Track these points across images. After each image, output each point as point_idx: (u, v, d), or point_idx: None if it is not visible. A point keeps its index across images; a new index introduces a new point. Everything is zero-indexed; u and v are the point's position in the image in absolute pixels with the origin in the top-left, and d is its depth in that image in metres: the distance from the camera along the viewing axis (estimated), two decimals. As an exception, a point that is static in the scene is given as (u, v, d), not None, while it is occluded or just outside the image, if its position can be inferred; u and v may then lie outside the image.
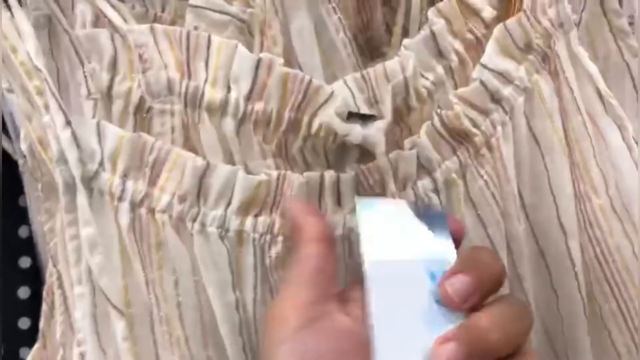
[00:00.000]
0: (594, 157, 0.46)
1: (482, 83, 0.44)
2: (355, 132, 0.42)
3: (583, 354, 0.47)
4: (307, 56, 0.46)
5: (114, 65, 0.42)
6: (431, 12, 0.45)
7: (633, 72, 0.49)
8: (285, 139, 0.43)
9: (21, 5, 0.42)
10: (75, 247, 0.42)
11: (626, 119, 0.45)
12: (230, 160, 0.43)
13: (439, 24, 0.44)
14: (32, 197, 0.48)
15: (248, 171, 0.42)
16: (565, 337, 0.48)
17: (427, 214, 0.42)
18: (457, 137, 0.44)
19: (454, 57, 0.45)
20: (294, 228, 0.40)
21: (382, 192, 0.43)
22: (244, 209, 0.42)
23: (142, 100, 0.43)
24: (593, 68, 0.45)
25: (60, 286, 0.44)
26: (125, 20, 0.43)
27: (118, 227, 0.42)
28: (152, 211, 0.42)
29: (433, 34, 0.44)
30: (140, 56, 0.42)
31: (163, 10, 0.47)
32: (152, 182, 0.42)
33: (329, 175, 0.43)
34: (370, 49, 0.49)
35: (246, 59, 0.41)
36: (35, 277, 0.50)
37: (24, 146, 0.44)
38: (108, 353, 0.43)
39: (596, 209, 0.46)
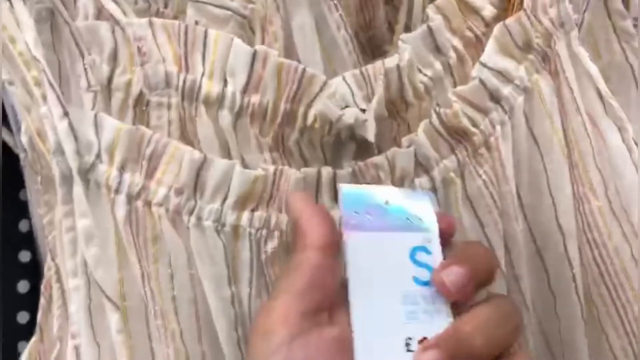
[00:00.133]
0: (593, 159, 0.45)
1: (481, 81, 0.44)
2: (349, 113, 0.42)
3: (580, 356, 0.47)
4: (308, 53, 0.46)
5: (114, 58, 0.43)
6: (429, 9, 0.45)
7: (637, 75, 0.49)
8: (282, 131, 0.43)
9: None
10: (71, 238, 0.42)
11: (626, 120, 0.45)
12: (227, 154, 0.43)
13: (436, 20, 0.44)
14: (33, 190, 0.48)
15: (245, 165, 0.43)
16: (563, 339, 0.47)
17: (412, 195, 0.42)
18: (456, 135, 0.44)
19: (452, 54, 0.45)
20: (297, 227, 0.39)
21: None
22: (241, 204, 0.42)
23: (141, 93, 0.43)
24: (593, 68, 0.45)
25: (59, 280, 0.44)
26: (125, 14, 0.43)
27: (114, 219, 0.42)
28: (148, 204, 0.42)
29: (430, 30, 0.44)
30: (139, 49, 0.42)
31: (166, 6, 0.47)
32: (149, 175, 0.42)
33: (326, 171, 0.43)
34: (372, 47, 0.49)
35: (242, 51, 0.41)
36: (34, 271, 0.50)
37: (24, 139, 0.44)
38: (102, 346, 0.43)
39: (595, 211, 0.45)
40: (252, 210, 0.42)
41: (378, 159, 0.43)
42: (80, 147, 0.41)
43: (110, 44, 0.42)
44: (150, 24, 0.42)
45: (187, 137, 0.43)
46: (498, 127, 0.45)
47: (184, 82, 0.42)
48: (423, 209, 0.41)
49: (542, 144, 0.45)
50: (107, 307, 0.42)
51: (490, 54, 0.44)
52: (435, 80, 0.45)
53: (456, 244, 0.41)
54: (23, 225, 0.51)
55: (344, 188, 0.41)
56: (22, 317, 0.51)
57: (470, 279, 0.38)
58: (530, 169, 0.45)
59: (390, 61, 0.43)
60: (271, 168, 0.42)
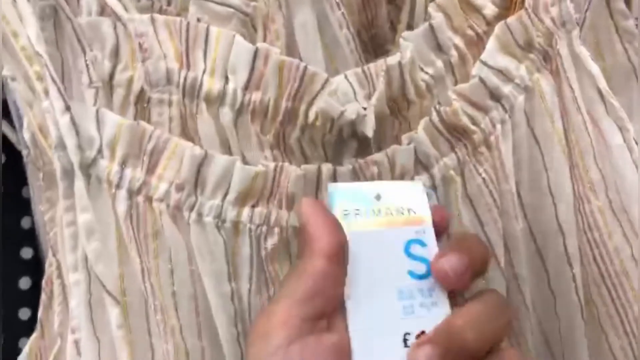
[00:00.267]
0: (593, 158, 0.45)
1: (481, 80, 0.44)
2: (351, 108, 0.42)
3: (580, 356, 0.47)
4: (309, 51, 0.46)
5: (115, 54, 0.43)
6: (431, 7, 0.45)
7: (639, 75, 0.49)
8: (283, 129, 0.43)
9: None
10: (72, 233, 0.42)
11: (627, 120, 0.45)
12: (228, 151, 0.43)
13: (437, 18, 0.44)
14: (35, 187, 0.49)
15: (245, 162, 0.43)
16: (563, 339, 0.47)
17: (405, 187, 0.41)
18: (456, 133, 0.44)
19: (453, 53, 0.45)
20: (305, 233, 0.38)
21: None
22: (241, 200, 0.42)
23: (143, 89, 0.43)
24: (595, 68, 0.45)
25: (60, 276, 0.45)
26: (127, 10, 0.43)
27: (115, 214, 0.42)
28: (149, 199, 0.42)
29: (432, 28, 0.44)
30: (140, 45, 0.42)
31: (169, 4, 0.47)
32: (150, 170, 0.42)
33: (327, 168, 0.43)
34: (375, 46, 0.49)
35: (244, 49, 0.41)
36: (36, 268, 0.50)
37: (26, 135, 0.44)
38: (102, 341, 0.43)
39: (595, 211, 0.45)
40: (253, 207, 0.42)
41: (378, 156, 0.43)
42: (81, 142, 0.41)
43: (112, 40, 0.43)
44: (152, 20, 0.42)
45: (188, 134, 0.43)
46: (498, 126, 0.45)
47: (185, 79, 0.42)
48: (416, 200, 0.40)
49: (543, 143, 0.45)
50: (108, 302, 0.42)
51: (491, 52, 0.44)
52: (437, 79, 0.45)
53: (450, 236, 0.41)
54: (25, 222, 0.51)
55: (332, 187, 0.40)
56: (24, 314, 0.51)
57: (468, 267, 0.38)
58: (530, 168, 0.45)
59: (392, 59, 0.44)
60: (271, 164, 0.42)
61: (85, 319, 0.42)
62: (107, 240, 0.42)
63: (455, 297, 0.39)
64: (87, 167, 0.42)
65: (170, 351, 0.42)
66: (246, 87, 0.42)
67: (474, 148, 0.44)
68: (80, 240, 0.42)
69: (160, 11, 0.47)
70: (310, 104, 0.42)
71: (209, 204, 0.42)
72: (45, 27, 0.42)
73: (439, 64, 0.45)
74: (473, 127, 0.44)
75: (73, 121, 0.41)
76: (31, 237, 0.51)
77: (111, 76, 0.43)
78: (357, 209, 0.40)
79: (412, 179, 0.44)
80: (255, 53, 0.41)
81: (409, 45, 0.43)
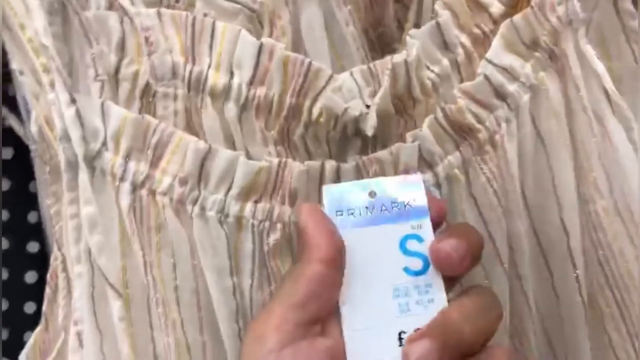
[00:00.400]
0: (599, 158, 0.45)
1: (486, 78, 0.44)
2: (354, 104, 0.42)
3: (583, 358, 0.46)
4: (316, 48, 0.46)
5: (122, 48, 0.43)
6: (438, 5, 0.45)
7: (647, 75, 0.49)
8: (287, 125, 0.43)
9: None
10: (75, 225, 0.42)
11: (634, 120, 0.45)
12: (232, 146, 0.43)
13: (444, 16, 0.44)
14: (41, 181, 0.49)
15: (249, 157, 0.43)
16: (566, 340, 0.47)
17: (401, 181, 0.41)
18: (461, 132, 0.44)
19: (460, 51, 0.45)
20: (302, 238, 0.39)
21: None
22: (244, 195, 0.42)
23: (148, 83, 0.43)
24: (601, 67, 0.45)
25: (65, 269, 0.45)
26: (134, 5, 0.43)
27: (118, 207, 0.42)
28: (152, 193, 0.42)
29: (438, 25, 0.44)
30: (146, 39, 0.42)
31: (177, 0, 0.47)
32: (154, 164, 0.42)
33: (330, 164, 0.43)
34: (382, 45, 0.49)
35: (249, 44, 0.42)
36: (42, 262, 0.51)
37: (34, 129, 0.44)
38: (104, 333, 0.43)
39: (600, 211, 0.45)
40: (256, 202, 0.42)
41: (382, 153, 0.43)
42: (86, 134, 0.42)
43: (118, 34, 0.43)
44: (159, 14, 0.42)
45: (193, 128, 0.43)
46: (503, 125, 0.44)
47: (191, 73, 0.42)
48: (413, 194, 0.40)
49: (548, 142, 0.45)
50: (110, 295, 0.42)
51: (496, 50, 0.44)
52: (443, 77, 0.45)
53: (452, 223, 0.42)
54: (32, 217, 0.52)
55: (326, 188, 0.40)
56: (29, 308, 0.52)
57: (468, 250, 0.38)
58: (535, 167, 0.45)
59: (399, 57, 0.43)
60: (275, 160, 0.42)
61: (87, 311, 0.43)
62: (110, 233, 0.42)
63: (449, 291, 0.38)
64: (92, 160, 0.42)
65: (172, 345, 0.42)
66: (251, 82, 0.42)
67: (479, 147, 0.44)
68: (83, 232, 0.42)
69: (169, 7, 0.47)
70: (314, 100, 0.42)
71: (212, 199, 0.42)
72: (53, 21, 0.42)
73: (445, 62, 0.45)
74: (478, 126, 0.44)
75: (78, 113, 0.41)
76: (38, 232, 0.52)
77: (117, 70, 0.43)
78: (351, 208, 0.39)
79: (415, 176, 0.43)
80: (260, 48, 0.41)
81: (415, 43, 0.43)
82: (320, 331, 0.37)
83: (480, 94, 0.44)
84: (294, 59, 0.42)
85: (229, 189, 0.42)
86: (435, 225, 0.40)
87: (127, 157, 0.42)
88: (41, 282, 0.49)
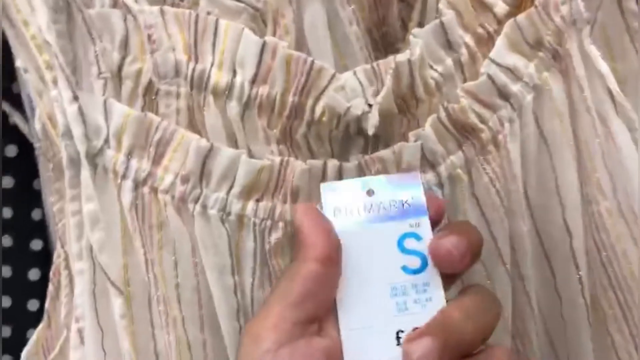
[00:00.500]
0: (602, 159, 0.45)
1: (490, 77, 0.43)
2: (356, 103, 0.42)
3: (585, 359, 0.46)
4: (319, 47, 0.46)
5: (125, 46, 0.43)
6: (442, 4, 0.44)
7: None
8: (290, 124, 0.43)
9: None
10: (77, 222, 0.42)
11: (637, 121, 0.44)
12: (234, 145, 0.43)
13: (448, 15, 0.44)
14: (45, 178, 0.49)
15: (251, 156, 0.43)
16: (568, 341, 0.47)
17: (400, 179, 0.41)
18: (463, 131, 0.44)
19: (463, 51, 0.45)
20: (298, 237, 0.39)
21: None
22: (246, 193, 0.42)
23: (151, 82, 0.43)
24: (605, 67, 0.44)
25: (67, 267, 0.45)
26: (137, 2, 0.43)
27: (120, 204, 0.42)
28: (154, 190, 0.42)
29: (442, 25, 0.44)
30: (149, 37, 0.42)
31: (182, -1, 0.48)
32: (156, 161, 0.42)
33: (332, 163, 0.43)
34: (385, 44, 0.49)
35: (252, 42, 0.42)
36: (46, 260, 0.51)
37: (38, 126, 0.45)
38: (105, 330, 0.43)
39: (603, 212, 0.45)
40: (257, 201, 0.42)
41: (384, 152, 0.43)
42: (88, 132, 0.42)
43: (121, 32, 0.43)
44: (162, 12, 0.42)
45: (195, 126, 0.43)
46: (507, 125, 0.44)
47: (193, 71, 0.42)
48: (411, 192, 0.40)
49: (551, 143, 0.45)
50: (111, 292, 0.42)
51: (500, 50, 0.44)
52: (446, 77, 0.45)
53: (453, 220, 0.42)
54: (36, 214, 0.52)
55: (324, 186, 0.40)
56: (33, 305, 0.52)
57: (468, 249, 0.37)
58: (538, 168, 0.45)
59: (402, 56, 0.43)
60: (277, 159, 0.42)
61: (89, 308, 0.43)
62: (112, 230, 0.42)
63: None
64: (94, 157, 0.42)
65: (172, 342, 0.42)
66: (253, 81, 0.42)
67: (481, 147, 0.44)
68: (85, 229, 0.42)
69: (173, 5, 0.47)
70: (317, 99, 0.42)
71: (213, 197, 0.42)
72: (58, 19, 0.42)
73: (449, 62, 0.45)
74: (481, 126, 0.44)
75: (80, 110, 0.41)
76: (41, 229, 0.52)
77: (120, 68, 0.43)
78: (349, 207, 0.39)
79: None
80: (263, 46, 0.41)
81: (418, 42, 0.43)
82: (317, 331, 0.37)
83: (484, 93, 0.44)
84: (296, 57, 0.41)
85: (231, 187, 0.42)
86: (434, 224, 0.40)
87: (129, 155, 0.42)
88: (44, 280, 0.50)
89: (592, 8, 0.45)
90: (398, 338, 0.37)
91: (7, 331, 0.51)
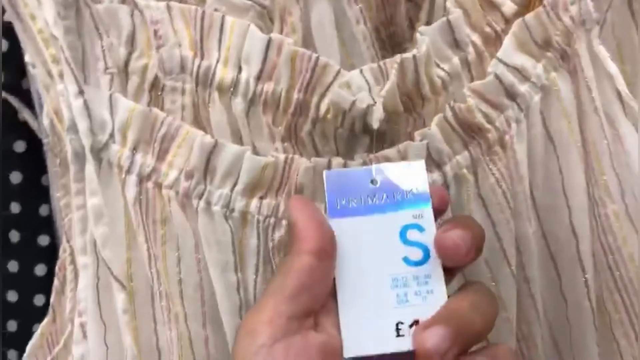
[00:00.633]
0: (610, 161, 0.44)
1: (497, 77, 0.43)
2: (361, 97, 0.41)
3: (590, 364, 0.46)
4: (326, 46, 0.46)
5: (131, 41, 0.43)
6: (449, 2, 0.44)
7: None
8: (295, 122, 0.43)
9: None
10: (81, 216, 0.43)
11: (646, 123, 0.44)
12: (239, 141, 0.43)
13: (455, 13, 0.44)
14: (53, 174, 0.49)
15: (256, 152, 0.43)
16: (573, 345, 0.46)
17: (404, 168, 0.40)
18: (470, 131, 0.43)
19: (470, 50, 0.45)
20: (293, 230, 0.38)
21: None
22: (250, 190, 0.42)
23: (157, 77, 0.43)
24: (614, 68, 0.44)
25: (73, 262, 0.45)
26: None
27: (124, 199, 0.42)
28: (159, 186, 0.42)
29: (449, 23, 0.44)
30: (155, 32, 0.42)
31: (189, -4, 0.48)
32: (161, 157, 0.42)
33: (337, 161, 0.42)
34: (393, 44, 0.49)
35: (257, 39, 0.42)
36: (52, 255, 0.51)
37: (46, 122, 0.45)
38: (108, 325, 0.43)
39: (610, 215, 0.44)
40: (261, 198, 0.42)
41: (389, 151, 0.42)
42: (93, 126, 0.42)
43: (128, 27, 0.43)
44: (168, 8, 0.42)
45: (200, 122, 0.43)
46: (514, 125, 0.44)
47: (199, 67, 0.42)
48: (415, 181, 0.39)
49: (558, 144, 0.44)
50: (114, 287, 0.42)
51: (508, 49, 0.43)
52: (453, 76, 0.44)
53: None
54: (43, 210, 0.52)
55: (328, 173, 0.40)
56: (39, 300, 0.52)
57: (473, 242, 0.37)
58: (545, 169, 0.45)
59: (408, 54, 0.43)
60: (282, 156, 0.42)
61: (92, 302, 0.43)
62: (116, 225, 0.42)
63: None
64: (99, 151, 0.42)
65: (174, 338, 0.42)
66: (259, 77, 0.42)
67: (488, 147, 0.44)
68: (89, 223, 0.42)
69: (180, 1, 0.47)
70: (322, 96, 0.42)
71: (217, 193, 0.42)
72: (67, 15, 0.43)
73: (456, 60, 0.45)
74: (488, 126, 0.43)
75: (86, 105, 0.41)
76: (48, 225, 0.52)
77: (126, 63, 0.43)
78: (352, 195, 0.39)
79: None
80: (269, 43, 0.41)
81: (425, 39, 0.43)
82: (313, 325, 0.37)
83: (491, 93, 0.43)
84: (301, 54, 0.41)
85: (235, 184, 0.42)
86: (437, 213, 0.39)
87: (134, 150, 0.42)
88: (51, 275, 0.50)
89: (601, 8, 0.45)
90: (398, 330, 0.36)
91: (13, 326, 0.51)
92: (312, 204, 0.39)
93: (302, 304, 0.36)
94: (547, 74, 0.44)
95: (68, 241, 0.45)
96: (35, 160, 0.50)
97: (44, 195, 0.51)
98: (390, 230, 0.38)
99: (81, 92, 0.41)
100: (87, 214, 0.42)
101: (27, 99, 0.49)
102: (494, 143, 0.44)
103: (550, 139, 0.44)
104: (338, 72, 0.42)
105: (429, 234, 0.38)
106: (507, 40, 0.43)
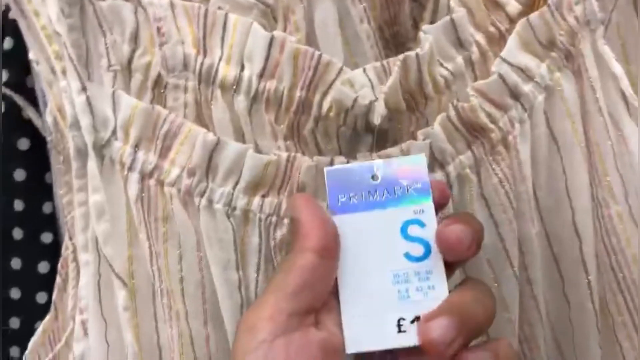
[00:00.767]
0: (614, 162, 0.44)
1: (501, 77, 0.43)
2: (363, 93, 0.41)
3: (593, 366, 0.45)
4: (329, 45, 0.46)
5: (135, 39, 0.43)
6: (453, 1, 0.44)
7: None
8: (297, 120, 0.43)
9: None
10: (83, 213, 0.43)
11: (650, 124, 0.44)
12: (241, 139, 0.43)
13: (459, 12, 0.44)
14: (56, 171, 0.49)
15: (258, 150, 0.42)
16: (576, 347, 0.46)
17: (405, 162, 0.40)
18: (473, 131, 0.43)
19: (474, 49, 0.44)
20: (296, 228, 0.38)
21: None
22: (252, 189, 0.42)
23: (160, 75, 0.43)
24: (618, 69, 0.44)
25: (75, 259, 0.45)
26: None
27: (126, 196, 0.42)
28: (161, 183, 0.42)
29: (453, 22, 0.44)
30: (159, 30, 0.42)
31: (194, -5, 0.48)
32: (163, 154, 0.42)
33: (339, 160, 0.42)
34: (396, 44, 0.49)
35: (260, 37, 0.41)
36: (55, 253, 0.51)
37: (49, 119, 0.45)
38: (109, 322, 0.43)
39: (614, 216, 0.44)
40: (263, 196, 0.42)
41: (392, 150, 0.42)
42: (96, 123, 0.42)
43: (132, 25, 0.43)
44: (172, 5, 0.42)
45: (203, 120, 0.43)
46: (517, 125, 0.44)
47: (202, 65, 0.42)
48: (416, 176, 0.39)
49: (562, 144, 0.44)
50: (115, 284, 0.42)
51: (512, 49, 0.43)
52: (456, 75, 0.44)
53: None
54: (46, 207, 0.52)
55: (329, 169, 0.40)
56: (41, 297, 0.52)
57: (474, 237, 0.37)
58: (548, 169, 0.44)
59: (411, 52, 0.43)
60: (284, 154, 0.42)
61: (93, 299, 0.43)
62: (117, 222, 0.42)
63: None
64: (101, 148, 0.42)
65: (175, 336, 0.42)
66: (261, 75, 0.42)
67: (491, 147, 0.44)
68: (90, 220, 0.42)
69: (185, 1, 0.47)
70: (324, 94, 0.42)
71: (219, 191, 0.42)
72: (71, 12, 0.43)
73: (459, 60, 0.44)
74: (491, 126, 0.43)
75: (88, 101, 0.41)
76: (52, 222, 0.52)
77: (130, 61, 0.43)
78: (353, 191, 0.39)
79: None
80: (271, 41, 0.41)
81: (428, 38, 0.43)
82: (313, 322, 0.37)
83: (494, 93, 0.43)
84: (304, 51, 0.41)
85: (237, 182, 0.42)
86: (439, 207, 0.39)
87: (136, 147, 0.42)
88: (53, 273, 0.50)
89: (606, 9, 0.44)
90: (399, 325, 0.36)
91: (15, 323, 0.51)
92: (315, 202, 0.39)
93: (303, 301, 0.36)
94: (551, 74, 0.44)
95: (70, 239, 0.45)
96: (39, 157, 0.50)
97: (48, 192, 0.51)
98: (392, 226, 0.38)
99: (84, 89, 0.41)
100: (89, 210, 0.42)
101: (32, 97, 0.49)
102: (497, 143, 0.44)
103: (554, 139, 0.44)
104: (341, 70, 0.42)
105: (430, 229, 0.38)
106: (511, 40, 0.43)
